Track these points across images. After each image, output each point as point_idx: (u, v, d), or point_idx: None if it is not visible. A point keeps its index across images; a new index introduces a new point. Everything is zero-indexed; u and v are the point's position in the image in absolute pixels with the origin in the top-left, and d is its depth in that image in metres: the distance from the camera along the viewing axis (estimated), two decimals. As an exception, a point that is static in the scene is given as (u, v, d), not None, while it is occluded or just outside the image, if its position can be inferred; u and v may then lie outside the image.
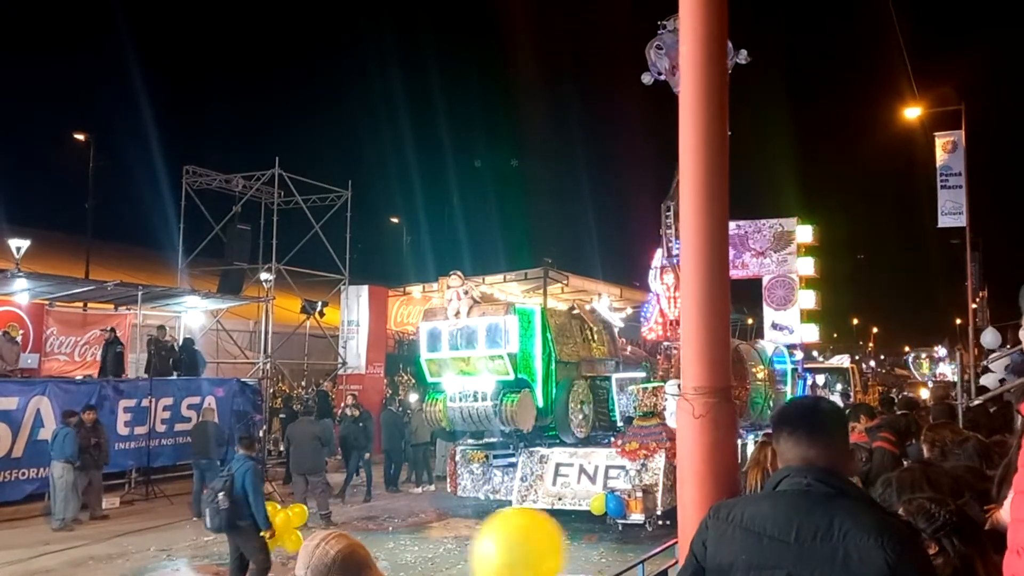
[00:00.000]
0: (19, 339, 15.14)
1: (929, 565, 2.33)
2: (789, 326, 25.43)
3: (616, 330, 15.60)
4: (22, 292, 15.82)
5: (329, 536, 2.32)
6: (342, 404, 18.26)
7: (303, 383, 22.49)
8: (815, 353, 31.24)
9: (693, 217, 3.23)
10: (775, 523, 2.29)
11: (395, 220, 45.21)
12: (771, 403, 15.38)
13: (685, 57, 3.35)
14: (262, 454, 16.59)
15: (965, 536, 2.73)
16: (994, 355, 13.43)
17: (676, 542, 6.15)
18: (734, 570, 2.32)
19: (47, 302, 16.97)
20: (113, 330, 16.60)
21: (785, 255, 25.89)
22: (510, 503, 12.97)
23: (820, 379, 23.77)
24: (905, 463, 5.65)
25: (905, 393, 25.49)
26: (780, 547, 2.25)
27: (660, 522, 11.69)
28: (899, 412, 9.38)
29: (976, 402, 8.97)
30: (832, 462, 2.36)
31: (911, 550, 2.20)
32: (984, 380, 12.34)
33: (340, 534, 2.37)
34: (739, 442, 5.62)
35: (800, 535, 2.23)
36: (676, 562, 6.01)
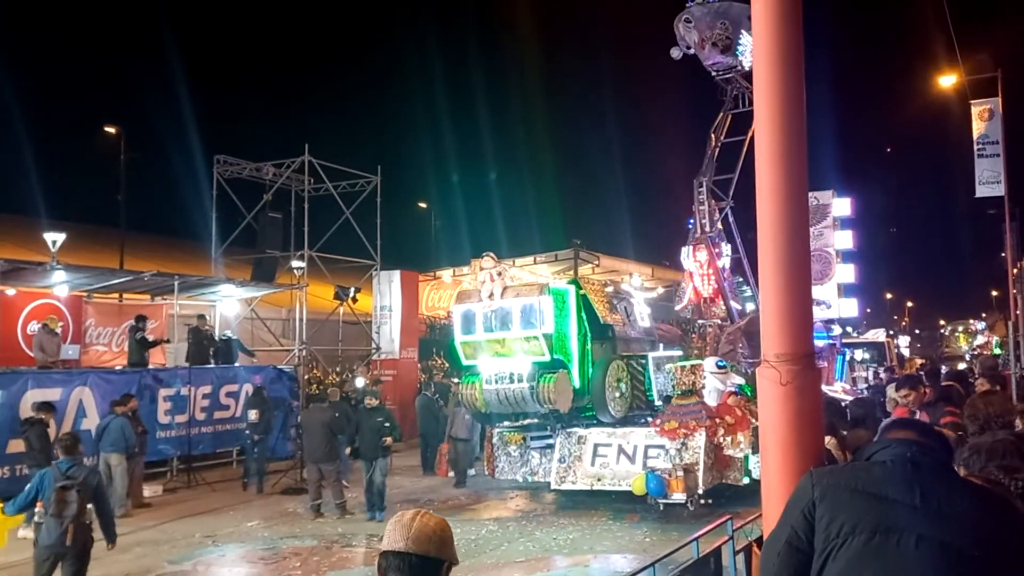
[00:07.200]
0: (59, 331, 15.30)
1: None
2: (826, 301, 25.15)
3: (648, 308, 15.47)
4: (61, 284, 15.99)
5: (422, 511, 2.47)
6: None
7: (337, 369, 22.57)
8: (849, 328, 30.92)
9: (769, 172, 3.14)
10: (896, 488, 2.33)
11: (423, 205, 45.26)
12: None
13: (757, 18, 3.23)
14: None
15: None
16: None
17: (728, 519, 6.12)
18: (856, 533, 2.32)
19: (85, 294, 17.16)
20: (144, 318, 16.57)
21: (821, 228, 25.60)
22: (548, 484, 12.96)
23: (858, 355, 23.50)
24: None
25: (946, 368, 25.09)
26: (906, 511, 2.28)
27: (702, 501, 11.62)
28: (943, 384, 9.24)
29: (1031, 372, 8.76)
30: (931, 442, 2.52)
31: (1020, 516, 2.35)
32: None
33: (428, 512, 2.50)
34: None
35: (925, 500, 2.28)
36: (729, 539, 5.97)
